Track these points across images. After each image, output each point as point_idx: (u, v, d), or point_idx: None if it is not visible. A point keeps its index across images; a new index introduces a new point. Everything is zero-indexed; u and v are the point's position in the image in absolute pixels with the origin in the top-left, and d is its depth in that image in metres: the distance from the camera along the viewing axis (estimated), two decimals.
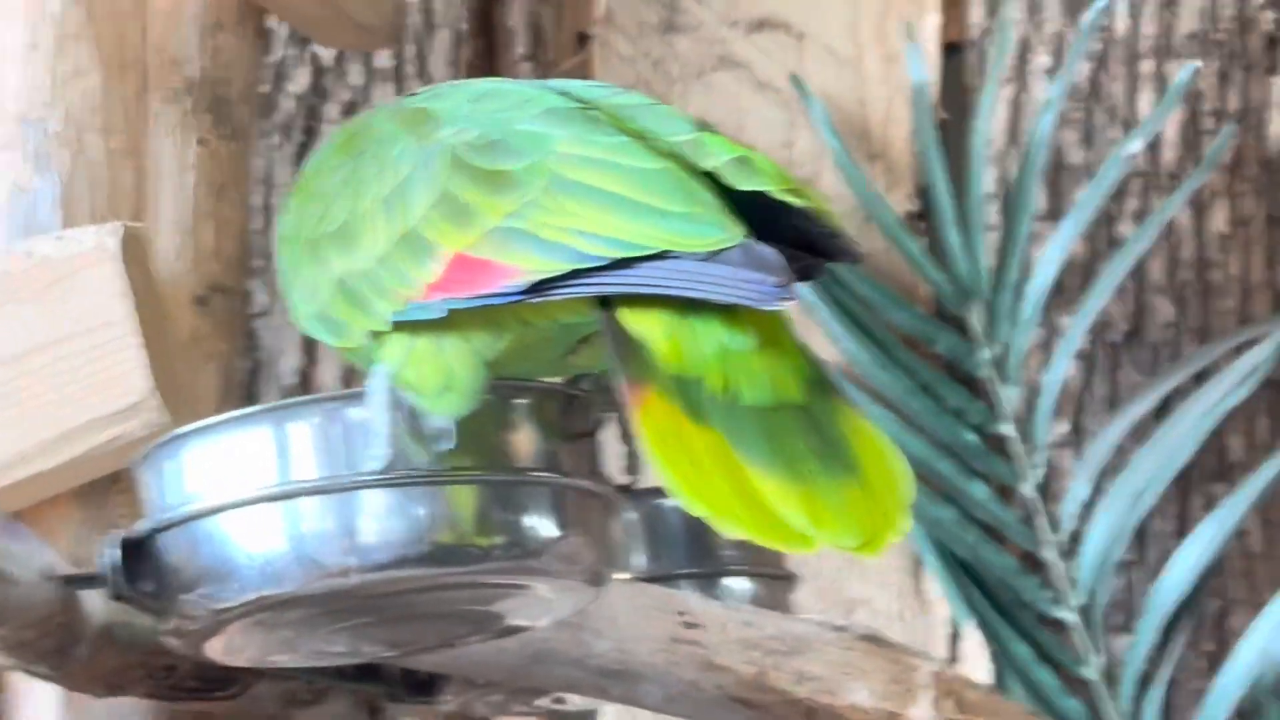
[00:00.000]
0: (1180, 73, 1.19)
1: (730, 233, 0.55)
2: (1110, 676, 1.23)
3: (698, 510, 0.55)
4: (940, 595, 1.29)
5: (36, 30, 0.95)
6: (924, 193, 1.33)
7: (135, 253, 0.83)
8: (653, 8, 1.30)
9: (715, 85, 1.36)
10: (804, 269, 0.59)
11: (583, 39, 1.35)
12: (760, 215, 0.58)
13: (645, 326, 0.57)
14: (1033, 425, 1.25)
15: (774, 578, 0.95)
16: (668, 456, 0.55)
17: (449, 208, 0.62)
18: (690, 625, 0.82)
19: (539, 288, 0.57)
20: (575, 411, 0.68)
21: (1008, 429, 1.25)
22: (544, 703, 0.95)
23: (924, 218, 1.33)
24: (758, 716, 0.83)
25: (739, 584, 0.94)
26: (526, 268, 0.57)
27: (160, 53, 1.07)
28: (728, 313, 0.57)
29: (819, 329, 1.29)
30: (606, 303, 0.58)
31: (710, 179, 0.58)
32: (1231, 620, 1.25)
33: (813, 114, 1.29)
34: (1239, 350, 1.14)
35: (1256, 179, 1.21)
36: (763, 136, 1.34)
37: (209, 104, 1.09)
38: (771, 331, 0.58)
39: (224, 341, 1.05)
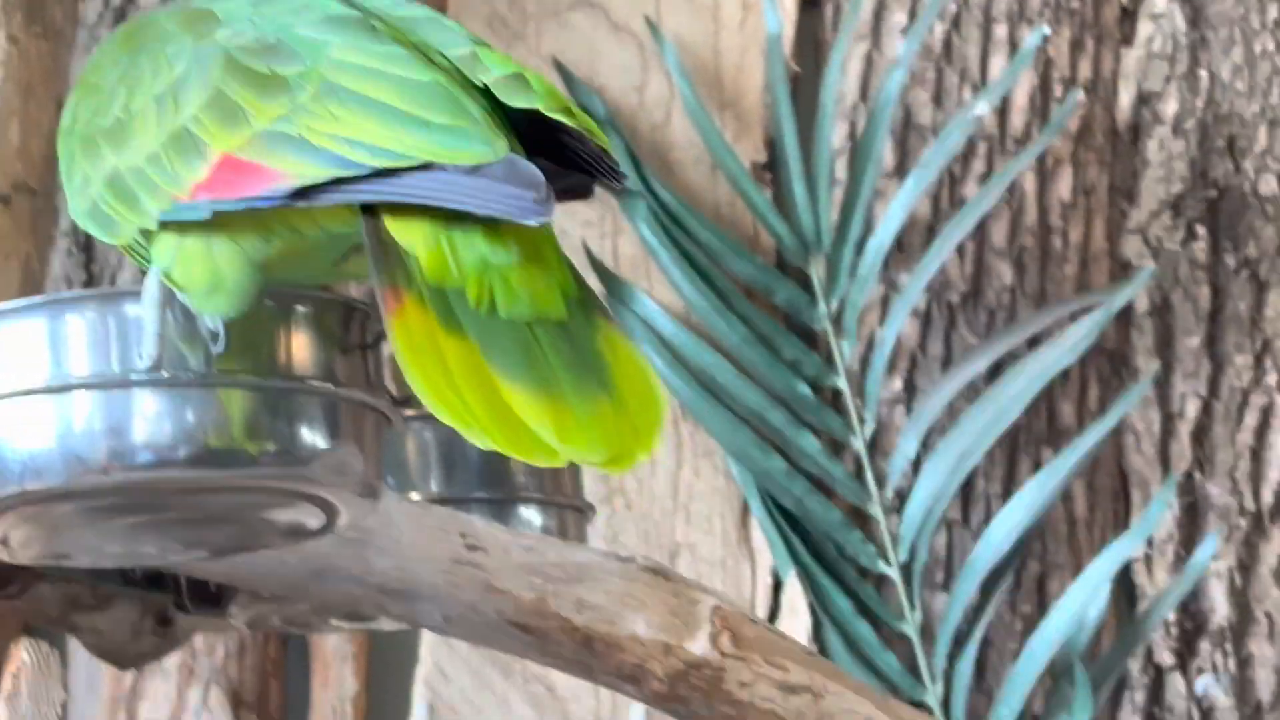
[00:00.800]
0: (1029, 37, 1.18)
1: (494, 147, 0.54)
2: (927, 633, 1.22)
3: (445, 418, 0.53)
4: (765, 545, 1.25)
5: None
6: (773, 144, 1.31)
7: None
8: None
9: (571, 24, 1.32)
10: (573, 187, 0.59)
11: None
12: (533, 133, 0.57)
13: (407, 236, 0.56)
14: (866, 380, 1.23)
15: (569, 508, 0.93)
16: (418, 364, 0.54)
17: (220, 108, 0.60)
18: (472, 548, 0.78)
19: (304, 193, 0.55)
20: (355, 323, 0.65)
21: (841, 383, 1.23)
22: (343, 622, 0.95)
23: (772, 169, 1.30)
24: (536, 642, 0.80)
25: (533, 514, 0.92)
26: (291, 172, 0.56)
27: None
28: (490, 226, 0.56)
29: (660, 274, 1.27)
30: (372, 211, 0.57)
31: (485, 95, 0.57)
32: (1051, 583, 1.24)
33: (666, 58, 1.27)
34: (1074, 317, 1.12)
35: (1102, 149, 1.22)
36: (616, 79, 1.31)
37: (21, 1, 1.05)
38: (535, 248, 0.57)
39: (25, 241, 1.04)
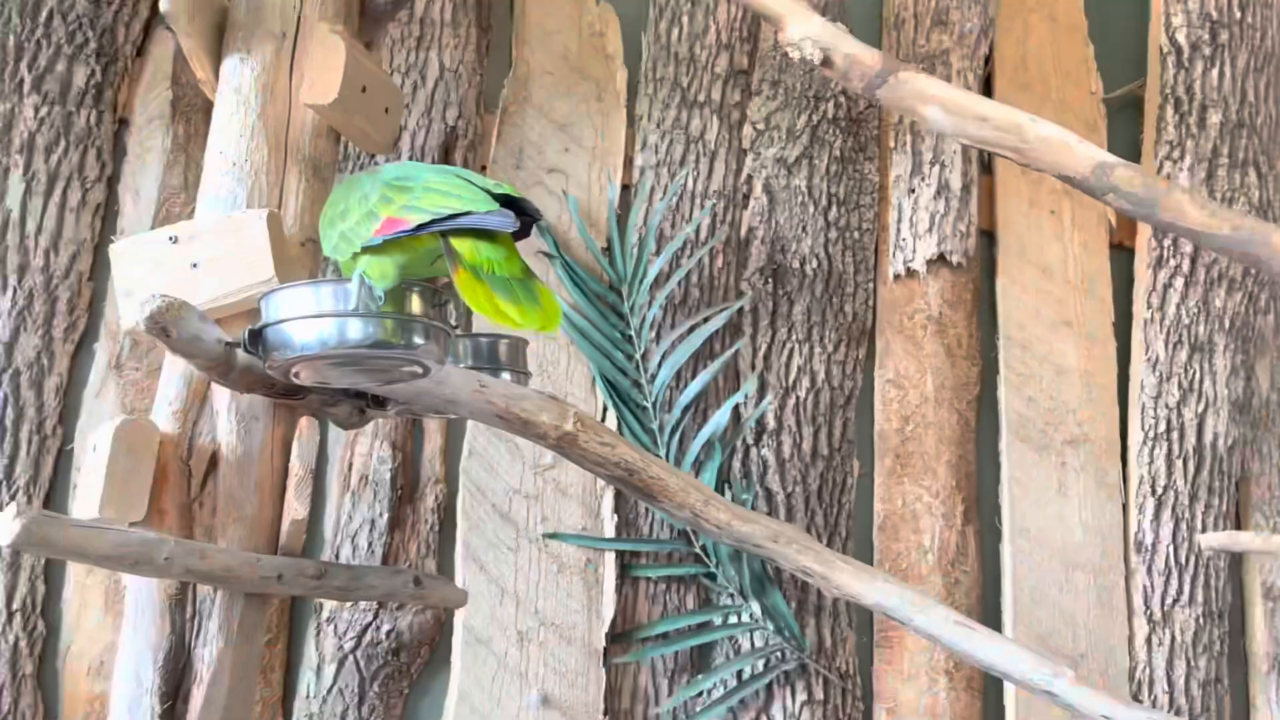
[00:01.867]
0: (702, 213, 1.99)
1: (494, 205, 1.04)
2: (660, 430, 1.89)
3: (481, 314, 1.04)
4: (602, 395, 1.91)
5: None
6: (609, 241, 1.97)
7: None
8: None
9: (544, 180, 1.99)
10: (525, 225, 1.09)
11: None
12: (512, 204, 1.07)
13: (459, 244, 1.05)
14: (642, 330, 1.91)
15: (522, 373, 1.46)
16: (469, 295, 1.04)
17: (383, 199, 1.08)
18: (482, 385, 1.29)
19: (418, 229, 1.05)
20: (436, 295, 1.14)
21: (633, 332, 1.90)
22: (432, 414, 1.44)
23: (609, 250, 1.97)
24: (504, 423, 1.30)
25: (506, 375, 1.41)
26: (413, 219, 1.05)
27: None
28: (492, 238, 1.05)
29: (556, 280, 1.94)
30: (444, 235, 1.06)
31: (490, 192, 1.07)
32: (711, 411, 1.96)
33: (571, 204, 1.96)
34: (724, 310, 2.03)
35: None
36: (554, 209, 1.98)
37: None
38: (509, 249, 1.07)
39: (312, 264, 1.40)
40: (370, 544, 1.88)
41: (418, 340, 1.09)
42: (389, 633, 1.85)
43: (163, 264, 1.24)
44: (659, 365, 1.96)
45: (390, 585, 1.43)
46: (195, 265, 1.24)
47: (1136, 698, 1.98)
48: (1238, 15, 2.12)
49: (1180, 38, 2.14)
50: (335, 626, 1.85)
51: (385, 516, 1.89)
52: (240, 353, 1.12)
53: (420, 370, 1.14)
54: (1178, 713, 1.97)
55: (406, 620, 1.85)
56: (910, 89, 1.49)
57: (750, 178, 2.08)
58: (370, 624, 1.85)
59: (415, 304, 1.10)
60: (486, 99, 2.05)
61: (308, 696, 1.84)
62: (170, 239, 1.26)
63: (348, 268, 1.12)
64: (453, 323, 1.19)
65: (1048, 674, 1.40)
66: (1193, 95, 2.12)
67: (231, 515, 1.26)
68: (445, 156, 1.97)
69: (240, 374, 1.15)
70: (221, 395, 1.28)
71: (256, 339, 1.11)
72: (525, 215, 1.08)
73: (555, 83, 2.06)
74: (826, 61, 1.47)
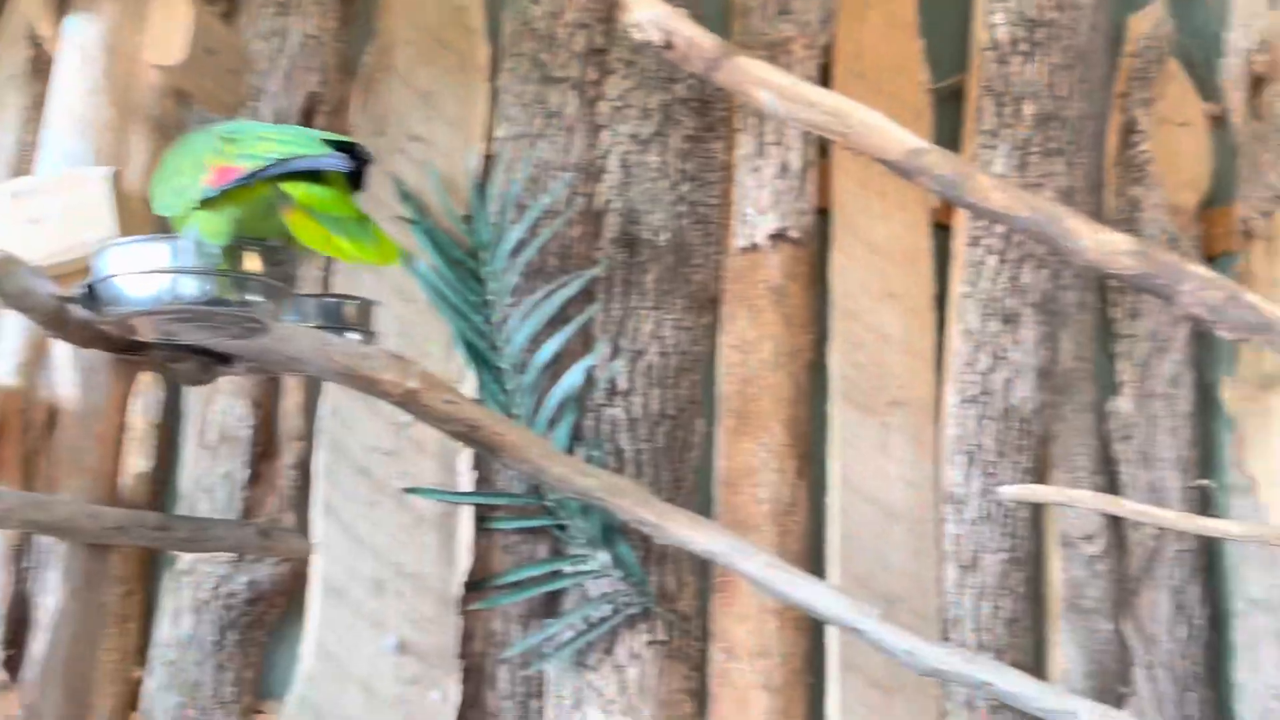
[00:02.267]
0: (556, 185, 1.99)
1: (328, 149, 1.02)
2: (516, 391, 1.88)
3: (318, 249, 1.04)
4: (458, 357, 1.89)
5: None
6: (469, 210, 1.98)
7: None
8: None
9: (409, 149, 1.95)
10: (359, 173, 1.06)
11: None
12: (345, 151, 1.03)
13: (292, 188, 1.03)
14: (498, 295, 1.89)
15: (369, 333, 1.45)
16: (303, 234, 1.04)
17: (214, 150, 1.04)
18: (327, 344, 1.26)
19: (250, 177, 1.01)
20: (271, 252, 1.11)
21: (492, 297, 1.89)
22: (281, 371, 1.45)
23: (469, 219, 1.94)
24: (350, 380, 1.29)
25: (353, 335, 1.40)
26: (246, 166, 1.01)
27: None
28: (325, 179, 1.03)
29: (418, 246, 1.90)
30: (278, 181, 1.03)
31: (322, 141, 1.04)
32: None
33: (431, 176, 1.92)
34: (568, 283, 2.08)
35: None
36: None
37: None
38: (344, 192, 1.05)
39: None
40: (229, 499, 1.84)
41: (252, 297, 1.07)
42: (246, 584, 1.81)
43: (2, 219, 1.17)
44: (516, 329, 1.95)
45: (237, 537, 1.40)
46: (34, 221, 1.18)
47: (947, 636, 2.05)
48: (1052, 15, 2.19)
49: (1000, 35, 2.19)
50: (193, 577, 1.80)
51: (244, 472, 1.85)
52: (76, 308, 1.08)
53: (257, 327, 1.11)
54: (983, 648, 2.04)
55: (264, 572, 1.83)
56: (745, 74, 1.51)
57: (606, 152, 2.07)
58: (227, 575, 1.81)
59: (251, 261, 1.07)
60: (349, 66, 1.99)
61: (165, 645, 1.79)
62: (11, 194, 1.19)
63: (180, 224, 1.07)
64: (290, 281, 1.16)
65: (856, 614, 1.45)
66: (1010, 88, 2.18)
67: (72, 467, 1.22)
68: (306, 121, 1.89)
69: (76, 329, 1.11)
70: (62, 349, 1.22)
71: (92, 295, 1.07)
72: (358, 159, 1.06)
73: (418, 53, 2.02)
74: (668, 44, 1.47)
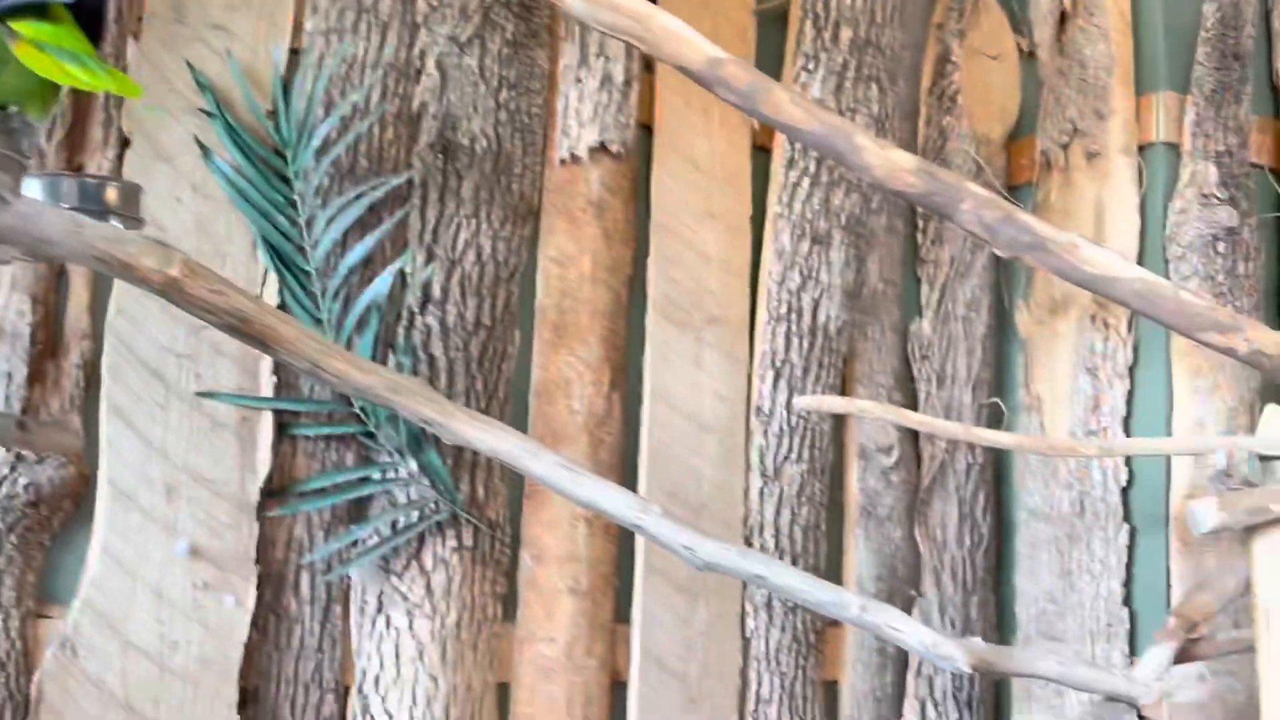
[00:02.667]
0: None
1: None
2: (324, 294, 1.77)
3: (50, 77, 0.96)
4: (264, 258, 1.76)
5: None
6: (275, 106, 1.79)
7: None
8: None
9: (209, 38, 1.75)
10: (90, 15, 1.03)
11: None
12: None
13: (19, 25, 0.96)
14: (307, 195, 1.76)
15: (135, 220, 1.36)
16: (34, 63, 0.96)
17: None
18: (79, 226, 1.13)
19: None
20: (7, 120, 1.05)
21: (297, 197, 1.76)
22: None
23: (274, 114, 1.78)
24: (107, 267, 1.17)
25: (117, 221, 1.29)
26: None
27: None
28: (53, 14, 0.99)
29: (217, 140, 1.75)
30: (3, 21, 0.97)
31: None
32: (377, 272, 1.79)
33: (233, 65, 1.75)
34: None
35: None
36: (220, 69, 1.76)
37: None
38: (75, 31, 1.00)
39: None
40: (7, 397, 1.67)
41: None
42: (26, 486, 1.66)
43: None
44: (323, 231, 1.80)
45: None
46: None
47: (749, 541, 2.06)
48: None
49: None
50: None
51: (23, 371, 1.68)
52: None
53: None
54: (781, 554, 2.06)
55: (46, 474, 1.67)
56: None
57: (423, 53, 1.93)
58: (6, 477, 1.65)
59: None
60: None
61: None
62: None
63: None
64: (25, 149, 1.05)
65: (638, 510, 1.42)
66: (829, 12, 2.15)
67: None
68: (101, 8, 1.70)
69: None
70: None
71: None
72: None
73: None
74: None
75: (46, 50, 0.94)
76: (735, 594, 2.05)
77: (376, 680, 1.79)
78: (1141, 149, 2.16)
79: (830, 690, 2.10)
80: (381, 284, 1.82)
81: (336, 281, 1.82)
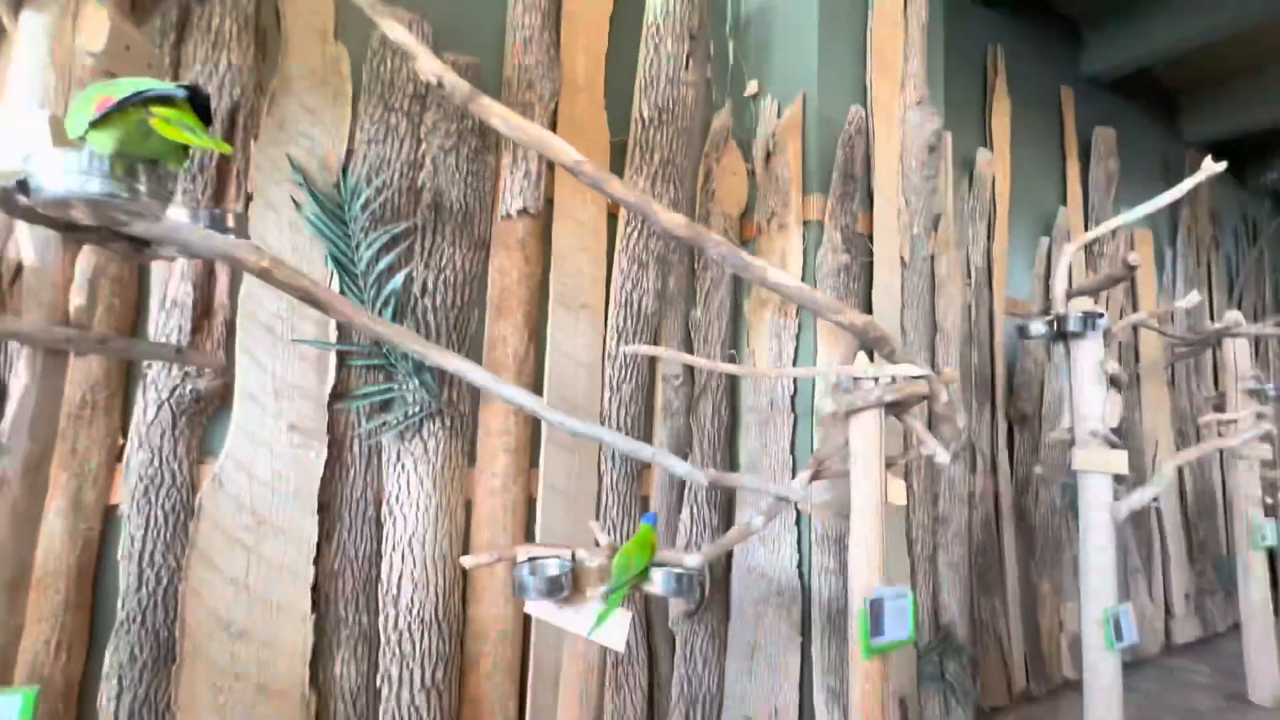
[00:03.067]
0: None
1: (172, 88, 0.85)
2: None
3: (174, 138, 0.84)
4: None
5: None
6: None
7: None
8: None
9: None
10: (201, 105, 0.87)
11: None
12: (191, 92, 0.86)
13: (156, 109, 0.86)
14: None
15: (245, 235, 1.13)
16: (164, 129, 0.84)
17: (99, 90, 0.87)
18: (209, 235, 1.04)
19: (120, 103, 0.85)
20: (153, 165, 0.92)
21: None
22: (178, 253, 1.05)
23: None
24: (234, 261, 1.05)
25: (232, 235, 1.11)
26: (117, 96, 0.85)
27: None
28: (176, 105, 0.87)
29: (307, 198, 1.68)
30: (147, 105, 0.87)
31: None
32: None
33: None
34: None
35: None
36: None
37: None
38: (190, 114, 0.88)
39: None
40: (180, 340, 1.63)
41: (138, 191, 0.90)
42: (191, 390, 1.62)
43: None
44: (364, 250, 1.79)
45: (158, 351, 1.22)
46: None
47: (603, 424, 2.11)
48: (673, 106, 2.21)
49: (645, 113, 2.22)
50: (157, 386, 1.58)
51: (188, 326, 1.61)
52: (18, 195, 0.89)
53: (143, 214, 0.93)
54: (621, 430, 2.13)
55: (204, 383, 1.64)
56: (487, 108, 1.46)
57: (424, 154, 1.92)
58: (179, 385, 1.61)
59: (140, 171, 0.91)
60: (261, 87, 1.74)
61: (138, 425, 1.56)
62: None
63: (83, 143, 0.90)
64: (170, 188, 0.97)
65: (534, 402, 1.46)
66: (649, 144, 2.20)
67: (32, 302, 0.98)
68: (231, 121, 1.66)
69: (24, 210, 0.92)
70: (21, 225, 0.99)
71: (24, 186, 0.88)
72: (194, 92, 0.89)
73: (307, 85, 1.81)
74: (440, 84, 1.40)
75: (173, 124, 0.86)
76: (594, 451, 2.12)
77: (397, 497, 1.82)
78: (805, 223, 2.31)
79: (645, 501, 2.11)
80: (396, 282, 1.83)
81: (371, 279, 1.81)
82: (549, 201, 2.12)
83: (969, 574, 2.33)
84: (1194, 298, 2.13)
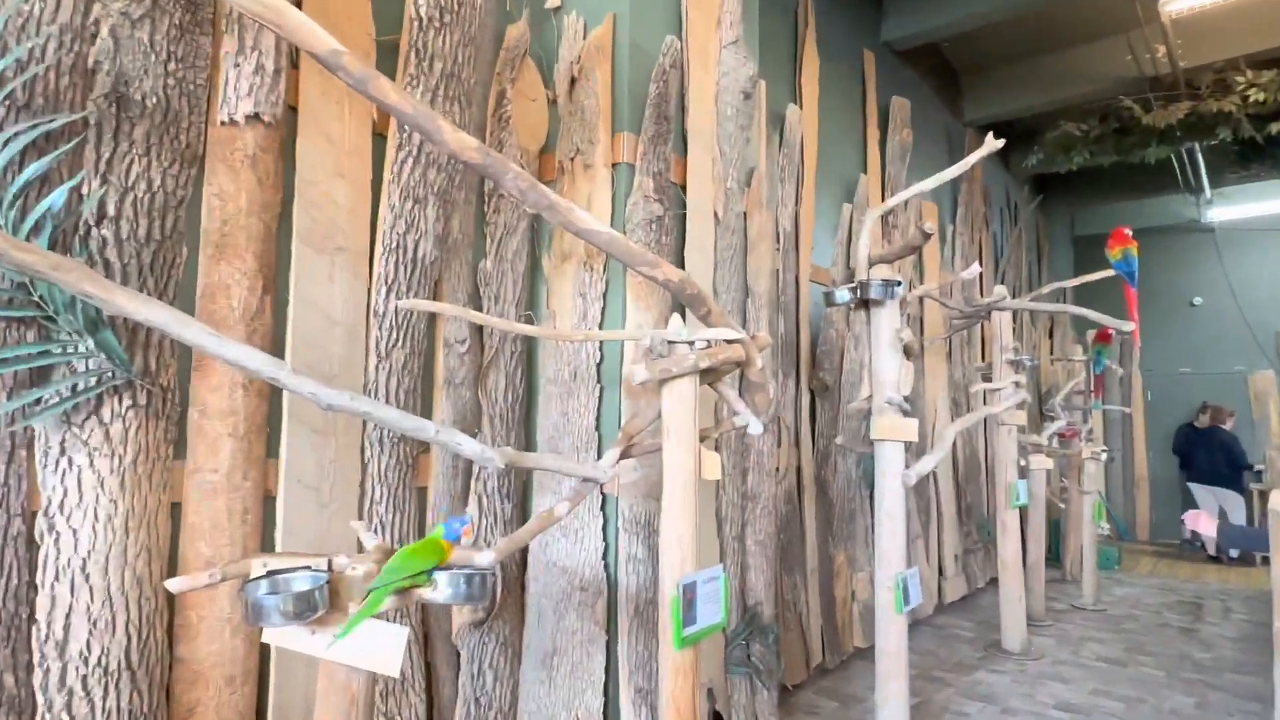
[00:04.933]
0: None
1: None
2: None
3: None
4: None
5: None
6: None
7: None
8: None
9: None
10: None
11: None
12: None
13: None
14: None
15: None
16: None
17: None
18: None
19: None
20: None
21: None
22: None
23: None
24: None
25: None
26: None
27: None
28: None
29: None
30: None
31: None
32: None
33: None
34: None
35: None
36: None
37: None
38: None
39: None
40: None
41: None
42: None
43: None
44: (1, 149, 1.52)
45: None
46: None
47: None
48: (456, 6, 2.19)
49: (423, 11, 2.15)
50: None
51: None
52: None
53: None
54: (391, 404, 2.07)
55: None
56: None
57: (98, 21, 1.65)
58: None
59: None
60: None
61: None
62: None
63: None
64: None
65: (273, 367, 1.36)
66: (427, 49, 2.15)
67: None
68: None
69: None
70: None
71: None
72: None
73: None
74: None
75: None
76: (357, 433, 2.04)
77: (61, 504, 1.59)
78: (614, 165, 2.44)
79: (422, 493, 2.13)
80: (55, 199, 1.58)
81: (13, 191, 1.55)
82: (291, 108, 1.97)
83: (775, 551, 2.62)
84: (975, 269, 2.68)
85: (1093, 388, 5.18)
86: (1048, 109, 5.11)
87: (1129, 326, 3.07)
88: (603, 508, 2.35)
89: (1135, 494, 6.88)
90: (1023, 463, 3.96)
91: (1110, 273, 3.78)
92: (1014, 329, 5.18)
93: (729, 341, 1.82)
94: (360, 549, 1.41)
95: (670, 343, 1.84)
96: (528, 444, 2.43)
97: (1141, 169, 6.20)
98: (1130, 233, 4.00)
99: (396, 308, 2.02)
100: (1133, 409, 6.74)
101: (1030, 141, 5.97)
